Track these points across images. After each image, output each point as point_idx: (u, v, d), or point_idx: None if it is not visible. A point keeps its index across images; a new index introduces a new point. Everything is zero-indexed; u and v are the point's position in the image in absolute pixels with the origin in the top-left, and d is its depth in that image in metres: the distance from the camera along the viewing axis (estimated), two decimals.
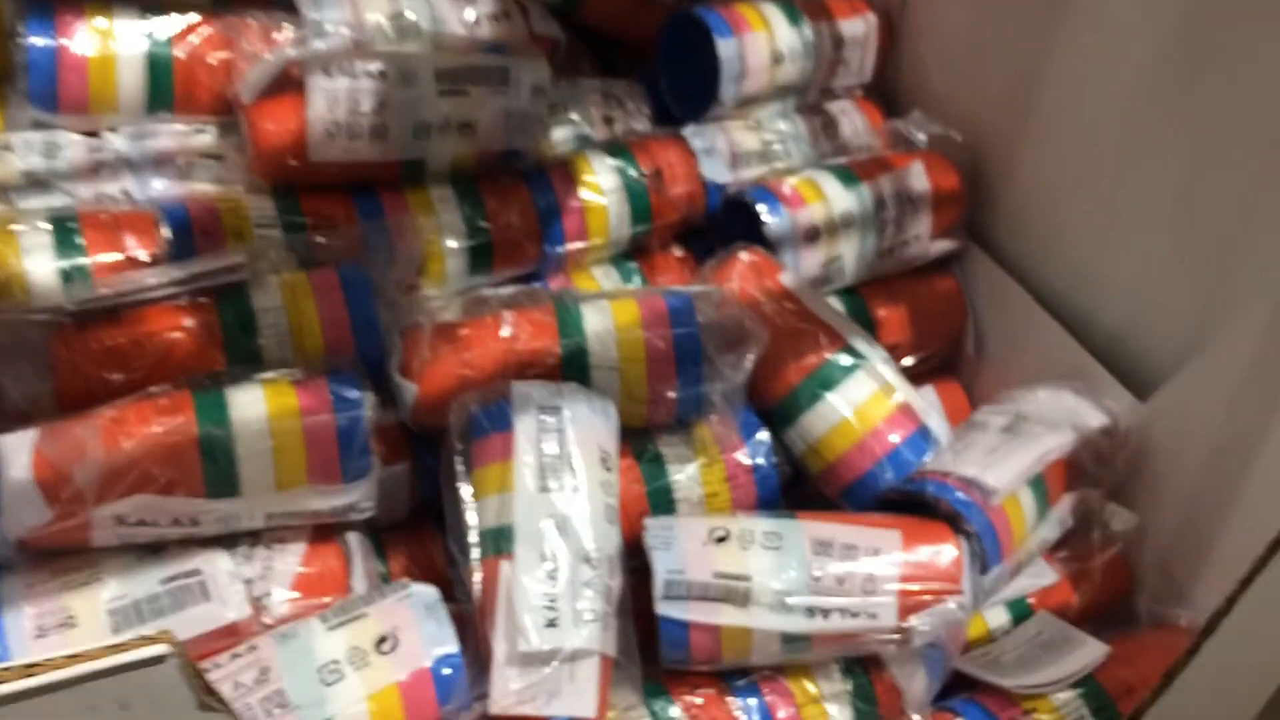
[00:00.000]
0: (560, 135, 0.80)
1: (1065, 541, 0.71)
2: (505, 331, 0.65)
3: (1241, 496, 0.64)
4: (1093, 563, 0.70)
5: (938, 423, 0.72)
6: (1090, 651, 0.64)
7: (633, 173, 0.78)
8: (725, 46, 0.79)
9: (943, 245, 0.83)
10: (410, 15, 0.75)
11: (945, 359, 0.84)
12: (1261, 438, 0.63)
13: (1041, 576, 0.70)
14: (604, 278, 0.78)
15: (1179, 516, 0.69)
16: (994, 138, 0.83)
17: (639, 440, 0.67)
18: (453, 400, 0.61)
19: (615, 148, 0.79)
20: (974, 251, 0.84)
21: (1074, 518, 0.70)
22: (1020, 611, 0.69)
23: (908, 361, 0.80)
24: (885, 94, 0.91)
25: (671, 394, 0.66)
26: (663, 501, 0.66)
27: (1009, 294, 0.81)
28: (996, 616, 0.69)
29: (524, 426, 0.59)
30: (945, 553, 0.62)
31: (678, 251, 0.82)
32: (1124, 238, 0.74)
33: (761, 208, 0.76)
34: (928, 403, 0.74)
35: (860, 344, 0.72)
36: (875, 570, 0.60)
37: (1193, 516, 0.68)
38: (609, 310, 0.66)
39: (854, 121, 0.88)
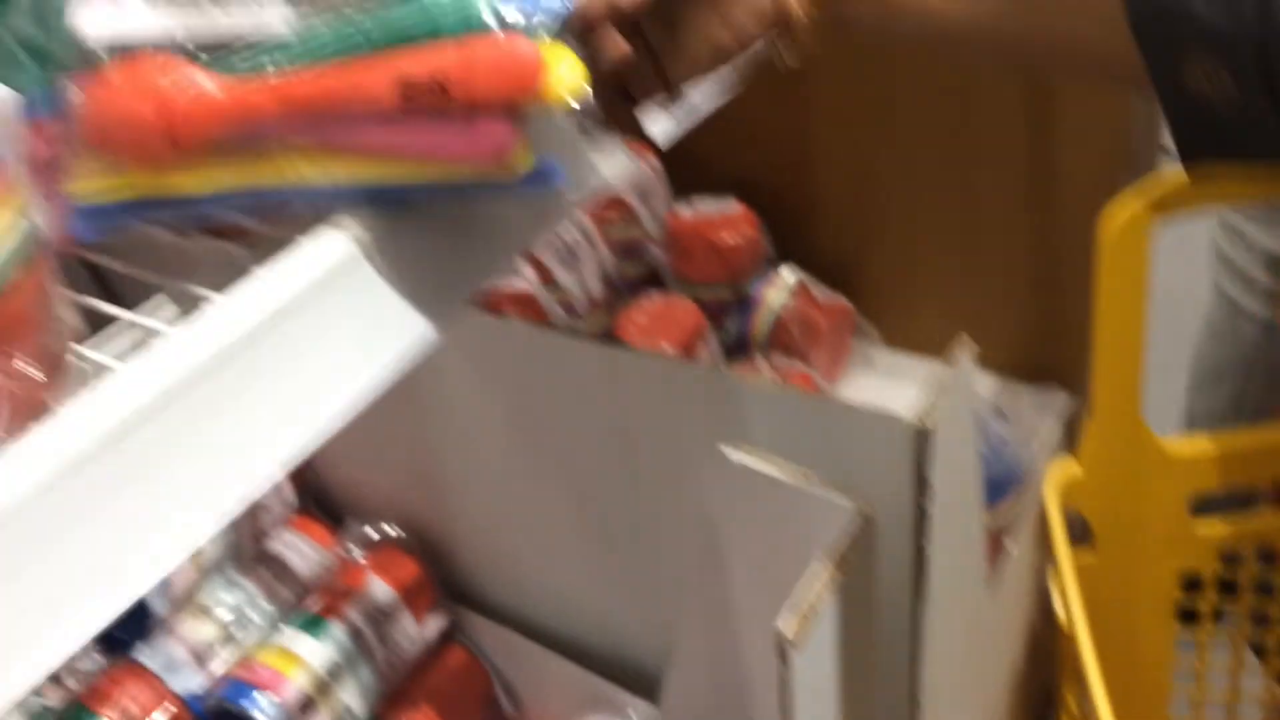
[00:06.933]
0: None
1: None
2: None
3: None
4: None
5: None
6: None
7: None
8: None
9: (435, 625, 0.85)
10: None
11: None
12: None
13: None
14: None
15: None
16: (432, 514, 0.86)
17: None
18: None
19: (71, 712, 0.74)
20: (469, 616, 0.87)
21: None
22: None
23: None
24: (320, 502, 0.91)
25: None
26: None
27: (513, 645, 0.84)
28: None
29: None
30: None
31: None
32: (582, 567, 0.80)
33: (248, 709, 0.74)
34: None
35: None
36: None
37: None
38: None
39: (301, 550, 0.87)
